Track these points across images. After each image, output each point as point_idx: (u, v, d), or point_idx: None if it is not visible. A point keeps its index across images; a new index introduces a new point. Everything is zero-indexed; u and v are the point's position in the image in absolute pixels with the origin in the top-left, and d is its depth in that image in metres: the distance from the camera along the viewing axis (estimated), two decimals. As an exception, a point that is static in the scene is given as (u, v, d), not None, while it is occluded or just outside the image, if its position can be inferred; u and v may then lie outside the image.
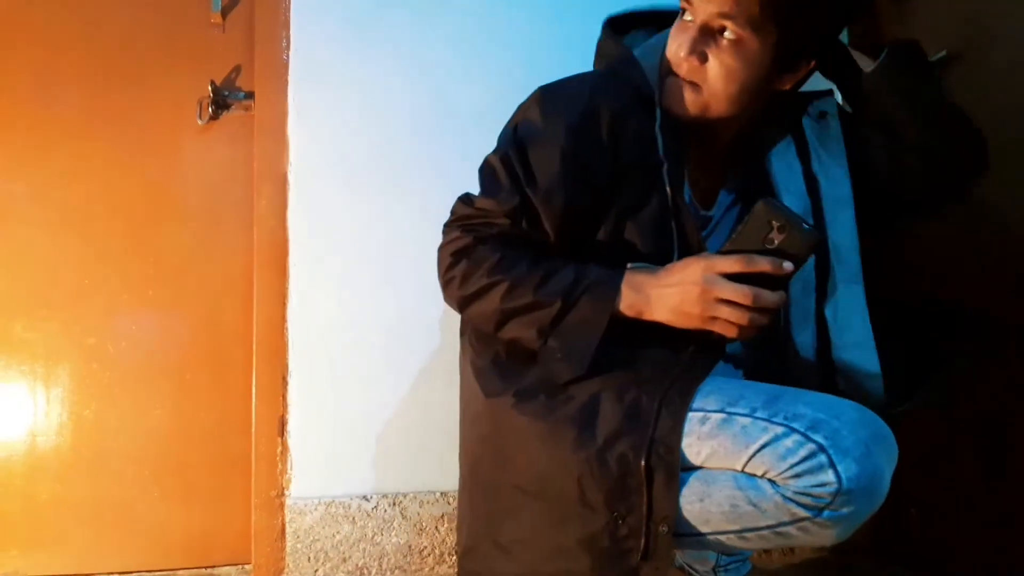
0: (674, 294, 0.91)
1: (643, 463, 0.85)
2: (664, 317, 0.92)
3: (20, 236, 1.46)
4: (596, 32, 1.54)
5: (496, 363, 1.00)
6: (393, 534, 1.41)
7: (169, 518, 1.46)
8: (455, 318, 1.11)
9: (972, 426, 1.28)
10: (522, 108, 1.05)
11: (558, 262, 0.96)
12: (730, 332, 0.91)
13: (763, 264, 0.88)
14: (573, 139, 0.97)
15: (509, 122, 1.06)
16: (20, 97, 1.48)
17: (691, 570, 1.24)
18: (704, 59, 0.96)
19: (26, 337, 1.45)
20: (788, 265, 0.89)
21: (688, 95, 0.98)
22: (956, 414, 1.31)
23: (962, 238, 1.30)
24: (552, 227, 0.97)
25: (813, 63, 1.02)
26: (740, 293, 0.88)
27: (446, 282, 1.02)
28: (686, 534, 0.90)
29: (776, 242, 0.89)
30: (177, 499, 1.47)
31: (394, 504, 1.42)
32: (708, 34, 0.95)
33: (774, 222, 0.88)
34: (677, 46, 0.97)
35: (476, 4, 1.52)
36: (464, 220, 1.01)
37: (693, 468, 0.89)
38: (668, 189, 0.97)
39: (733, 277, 0.89)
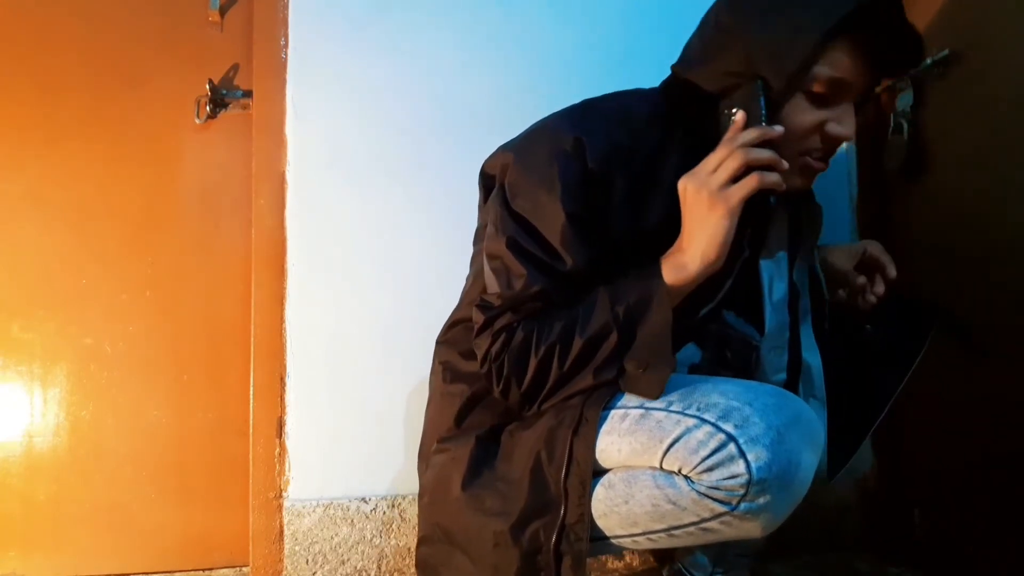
0: (693, 219, 0.86)
1: (552, 546, 0.85)
2: (705, 239, 0.85)
3: (17, 236, 1.45)
4: (595, 31, 1.55)
5: (461, 400, 1.00)
6: (392, 536, 1.40)
7: (167, 520, 1.45)
8: (454, 319, 1.10)
9: (973, 426, 1.28)
10: (503, 174, 0.96)
11: (586, 297, 0.89)
12: (768, 181, 0.84)
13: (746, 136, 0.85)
14: (571, 195, 0.89)
15: (494, 198, 0.96)
16: (16, 96, 1.47)
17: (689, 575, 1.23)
18: None
19: (23, 337, 1.44)
20: (779, 128, 0.86)
21: (818, 167, 0.93)
22: (957, 415, 1.30)
23: (962, 238, 1.30)
24: (589, 278, 0.90)
25: None
26: (726, 161, 0.85)
27: (504, 391, 0.92)
28: (617, 537, 0.88)
29: None
30: (175, 500, 1.46)
31: (393, 506, 1.41)
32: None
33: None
34: (843, 126, 0.89)
35: (476, 2, 1.51)
36: (489, 323, 0.91)
37: (615, 468, 0.86)
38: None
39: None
